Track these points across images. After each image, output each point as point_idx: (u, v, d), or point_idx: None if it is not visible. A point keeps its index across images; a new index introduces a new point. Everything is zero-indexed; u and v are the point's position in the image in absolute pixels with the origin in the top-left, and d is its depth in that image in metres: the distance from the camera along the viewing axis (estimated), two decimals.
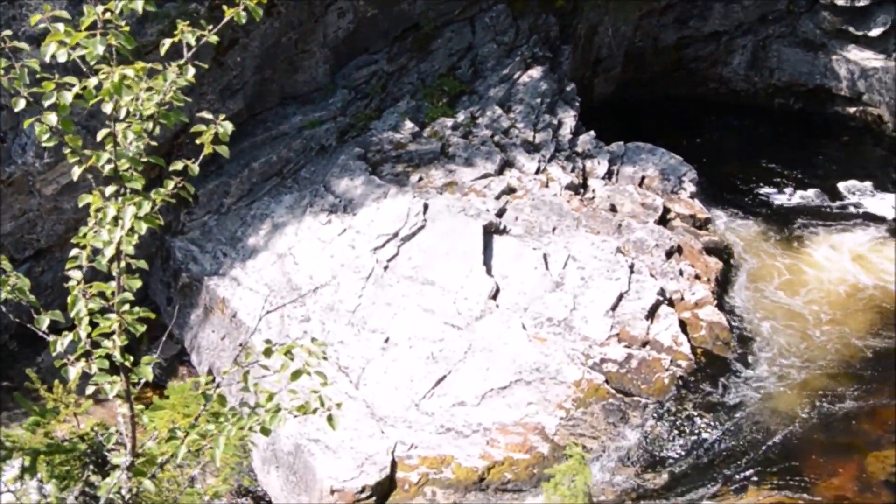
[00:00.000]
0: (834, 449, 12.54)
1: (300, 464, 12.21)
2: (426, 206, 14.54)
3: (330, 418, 5.22)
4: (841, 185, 17.99)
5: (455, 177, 15.42)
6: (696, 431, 12.68)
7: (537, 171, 15.78)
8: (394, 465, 12.09)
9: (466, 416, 12.59)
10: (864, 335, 14.29)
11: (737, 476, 12.19)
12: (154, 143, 5.19)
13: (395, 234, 14.23)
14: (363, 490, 11.81)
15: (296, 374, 5.28)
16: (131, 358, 5.36)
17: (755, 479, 12.14)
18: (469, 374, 12.98)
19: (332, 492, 11.84)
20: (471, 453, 12.15)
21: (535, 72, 17.45)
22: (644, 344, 13.36)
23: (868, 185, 18.01)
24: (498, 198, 15.07)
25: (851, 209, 17.42)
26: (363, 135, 16.07)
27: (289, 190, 15.41)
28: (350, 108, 16.43)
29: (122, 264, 5.24)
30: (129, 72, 4.79)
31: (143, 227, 5.20)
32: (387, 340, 13.34)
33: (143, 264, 5.32)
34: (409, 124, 16.28)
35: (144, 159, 5.22)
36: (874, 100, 19.86)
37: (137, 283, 5.29)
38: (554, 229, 14.73)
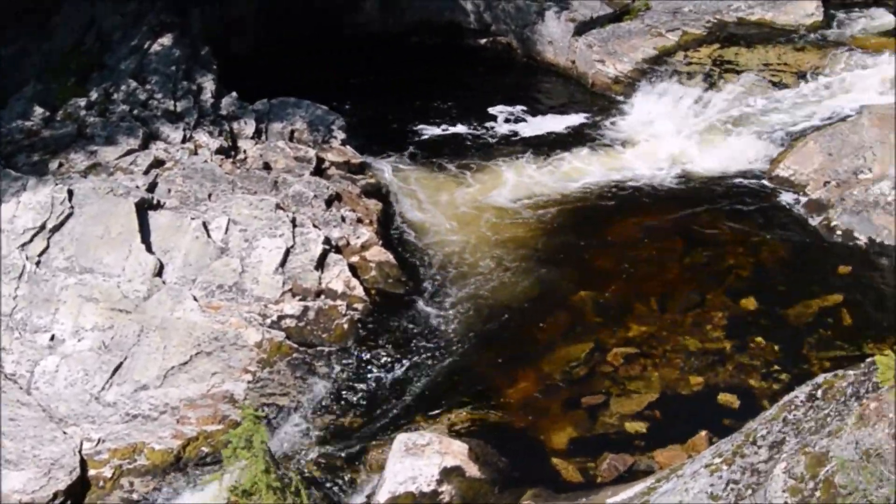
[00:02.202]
0: (513, 359, 13.18)
1: None
2: (71, 193, 13.76)
3: None
4: (492, 111, 18.73)
5: (98, 157, 14.75)
6: (383, 368, 12.95)
7: (184, 140, 15.40)
8: (84, 464, 11.55)
9: (151, 399, 12.22)
10: (526, 251, 15.05)
11: (428, 402, 12.55)
12: None
13: (43, 227, 13.39)
14: (55, 497, 11.21)
15: None
16: None
17: (446, 400, 12.55)
18: (146, 356, 12.57)
19: None
20: (162, 435, 11.82)
21: (166, 39, 16.93)
22: (318, 294, 13.45)
23: (518, 108, 18.90)
24: (146, 172, 14.56)
25: (503, 132, 18.21)
26: None
27: None
28: None
29: None
30: None
31: None
32: (52, 338, 12.63)
33: None
34: (38, 109, 15.34)
35: None
36: (501, 30, 20.81)
37: None
38: (210, 196, 14.45)
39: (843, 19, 20.81)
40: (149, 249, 13.51)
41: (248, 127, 16.21)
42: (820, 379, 10.02)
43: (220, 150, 15.46)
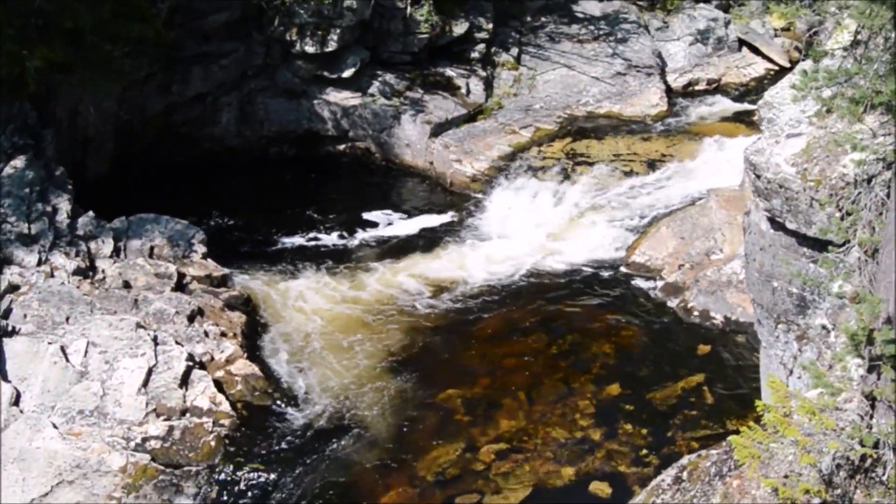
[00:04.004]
0: (385, 464, 12.99)
1: None
2: None
3: None
4: (353, 217, 18.67)
5: None
6: (253, 483, 12.65)
7: (39, 263, 14.92)
8: None
9: None
10: (393, 354, 14.97)
11: None
12: None
13: None
14: None
15: None
16: None
17: None
18: (4, 490, 12.01)
19: None
20: None
21: (19, 161, 16.45)
22: (183, 413, 13.08)
23: (379, 212, 18.90)
24: (0, 298, 14.04)
25: (364, 237, 18.14)
26: None
27: None
28: None
29: None
30: None
31: None
32: None
33: None
34: None
35: None
36: (359, 135, 20.92)
37: None
38: (68, 319, 14.00)
39: (685, 107, 21.74)
40: (4, 378, 13.01)
41: (105, 246, 15.82)
42: (685, 461, 10.14)
43: (77, 271, 15.04)
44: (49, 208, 16.15)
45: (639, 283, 16.59)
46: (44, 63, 16.58)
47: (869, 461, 8.24)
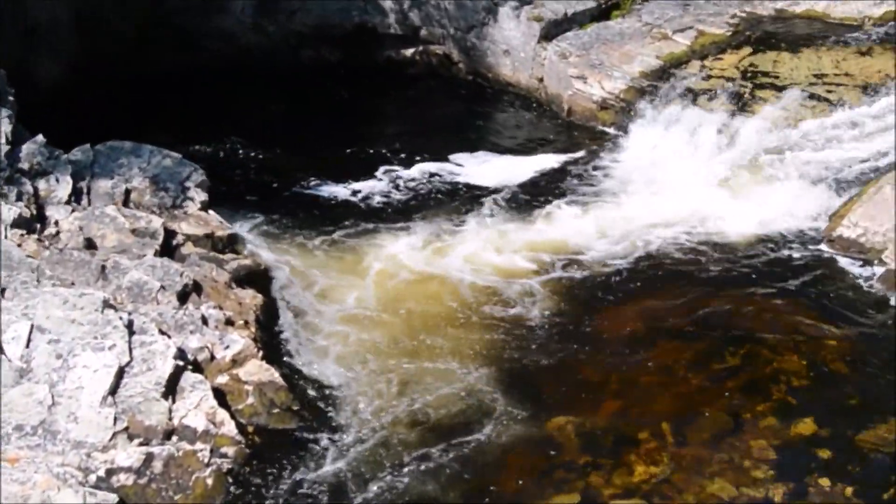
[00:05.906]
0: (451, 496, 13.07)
1: None
2: None
3: None
4: (421, 158, 18.78)
5: None
6: None
7: None
8: None
9: None
10: (472, 359, 15.03)
11: None
12: None
13: None
14: None
15: None
16: None
17: None
18: None
19: None
20: None
21: None
22: (168, 435, 13.14)
23: (459, 153, 18.95)
24: None
25: (437, 187, 18.28)
26: None
27: None
28: None
29: None
30: None
31: None
32: None
33: None
34: None
35: None
36: (436, 35, 21.06)
37: None
38: (3, 291, 14.17)
39: None
40: None
41: (61, 186, 16.06)
42: None
43: (18, 223, 15.24)
44: None
45: (847, 267, 16.58)
46: None
47: None
